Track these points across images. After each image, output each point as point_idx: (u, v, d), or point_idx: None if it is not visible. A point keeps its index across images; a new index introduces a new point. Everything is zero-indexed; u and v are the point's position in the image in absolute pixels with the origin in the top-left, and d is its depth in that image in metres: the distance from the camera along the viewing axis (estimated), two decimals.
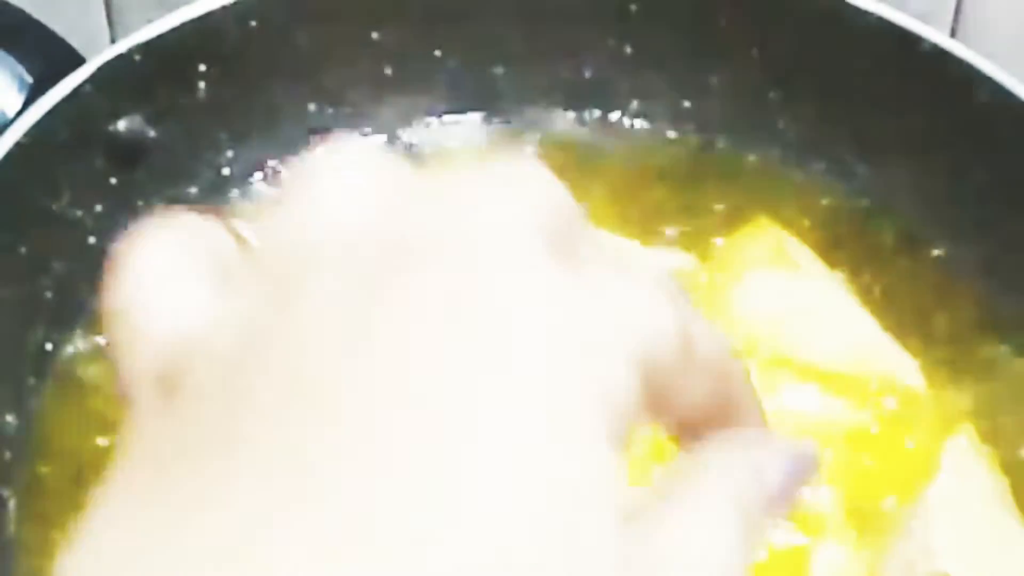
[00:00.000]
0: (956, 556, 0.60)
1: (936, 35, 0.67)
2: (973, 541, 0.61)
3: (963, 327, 0.67)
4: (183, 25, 0.65)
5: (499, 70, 0.71)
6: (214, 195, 0.68)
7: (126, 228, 0.31)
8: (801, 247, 0.68)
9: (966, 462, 0.63)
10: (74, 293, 0.64)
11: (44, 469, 0.61)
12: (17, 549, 0.58)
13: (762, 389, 0.33)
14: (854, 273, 0.67)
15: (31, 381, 0.62)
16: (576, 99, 0.72)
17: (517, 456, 0.27)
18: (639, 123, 0.72)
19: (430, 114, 0.72)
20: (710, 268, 0.68)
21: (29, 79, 0.66)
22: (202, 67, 0.67)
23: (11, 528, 0.59)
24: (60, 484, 0.60)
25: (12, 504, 0.59)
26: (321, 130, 0.70)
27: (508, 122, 0.72)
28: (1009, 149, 0.66)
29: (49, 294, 0.63)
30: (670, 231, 0.69)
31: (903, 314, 0.67)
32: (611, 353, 0.30)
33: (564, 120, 0.72)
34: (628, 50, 0.71)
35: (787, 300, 0.67)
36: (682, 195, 0.70)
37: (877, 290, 0.67)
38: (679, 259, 0.68)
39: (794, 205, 0.69)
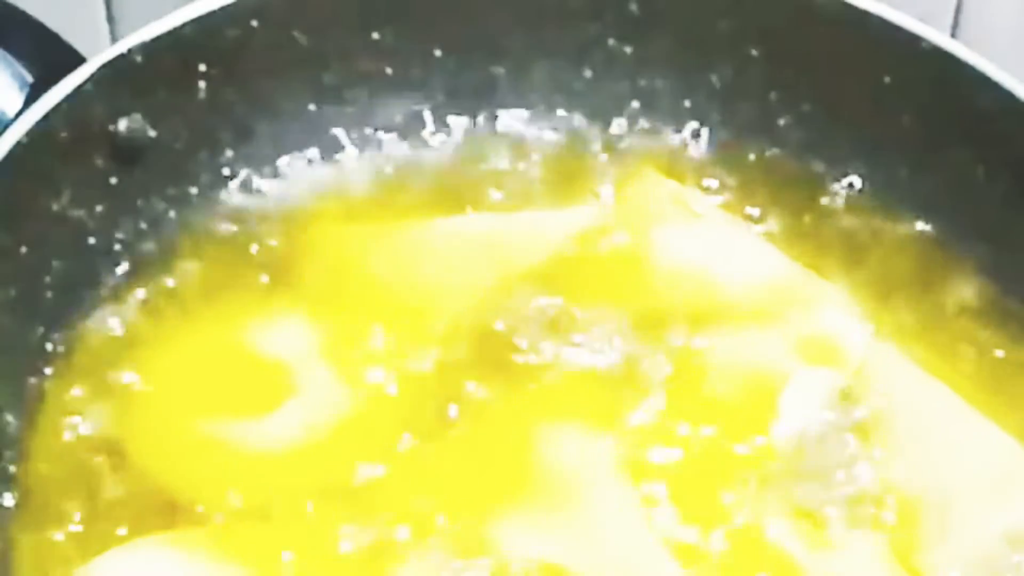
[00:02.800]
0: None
1: (936, 35, 0.67)
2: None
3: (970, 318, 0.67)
4: (183, 25, 0.65)
5: (499, 70, 0.72)
6: (214, 195, 0.68)
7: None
8: (695, 193, 0.69)
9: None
10: (74, 293, 0.64)
11: (44, 469, 0.61)
12: (17, 549, 0.58)
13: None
14: (852, 266, 0.67)
15: (31, 381, 0.62)
16: (575, 99, 0.72)
17: None
18: (640, 123, 0.72)
19: (430, 114, 0.72)
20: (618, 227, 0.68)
21: (29, 79, 0.66)
22: (202, 67, 0.67)
23: (10, 528, 0.59)
24: (60, 484, 0.60)
25: (12, 504, 0.59)
26: (321, 130, 0.70)
27: (507, 122, 0.72)
28: (1009, 148, 0.66)
29: (49, 294, 0.63)
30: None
31: (906, 311, 0.67)
32: None
33: (564, 120, 0.72)
34: (628, 50, 0.71)
35: (699, 250, 0.67)
36: None
37: (877, 287, 0.67)
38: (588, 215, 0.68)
39: (794, 204, 0.70)
